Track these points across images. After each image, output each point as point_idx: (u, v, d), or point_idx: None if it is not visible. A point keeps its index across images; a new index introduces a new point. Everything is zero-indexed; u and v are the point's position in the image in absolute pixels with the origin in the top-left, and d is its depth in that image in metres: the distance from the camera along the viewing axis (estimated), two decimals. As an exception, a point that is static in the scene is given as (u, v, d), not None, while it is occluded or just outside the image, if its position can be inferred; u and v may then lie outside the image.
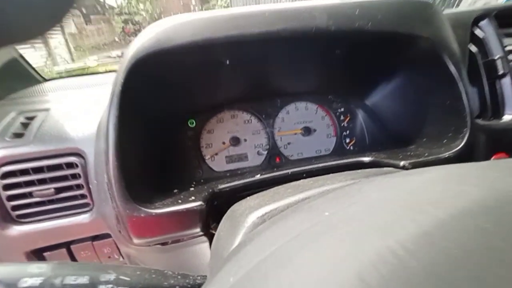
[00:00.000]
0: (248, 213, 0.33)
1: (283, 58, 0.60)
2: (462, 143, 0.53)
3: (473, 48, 0.59)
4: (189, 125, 0.74)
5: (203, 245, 0.54)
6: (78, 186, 0.58)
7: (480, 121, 0.59)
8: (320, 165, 0.58)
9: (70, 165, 0.57)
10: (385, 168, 0.43)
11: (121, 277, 0.31)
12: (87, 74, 0.95)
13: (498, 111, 0.59)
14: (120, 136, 0.45)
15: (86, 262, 0.59)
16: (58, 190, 0.57)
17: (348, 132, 0.83)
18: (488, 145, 0.59)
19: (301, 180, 0.43)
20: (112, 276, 0.31)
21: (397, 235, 0.14)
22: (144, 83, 0.51)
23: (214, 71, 0.59)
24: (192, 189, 0.55)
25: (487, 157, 0.60)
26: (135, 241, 0.47)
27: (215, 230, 0.59)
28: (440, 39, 0.53)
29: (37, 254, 0.61)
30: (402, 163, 0.52)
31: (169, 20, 0.48)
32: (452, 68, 0.53)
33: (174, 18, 0.48)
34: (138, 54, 0.44)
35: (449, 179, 0.20)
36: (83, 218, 0.58)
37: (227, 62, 0.56)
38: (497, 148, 0.59)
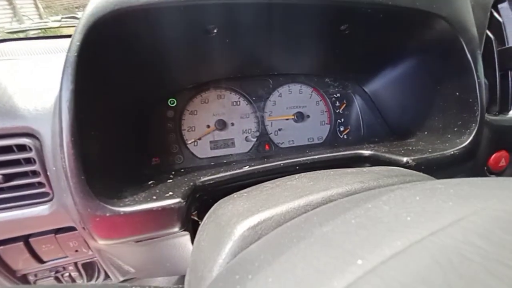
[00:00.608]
0: (236, 223, 0.27)
1: (280, 30, 0.51)
2: (469, 140, 0.49)
3: (490, 33, 0.54)
4: (169, 104, 0.65)
5: (184, 238, 0.48)
6: (34, 173, 0.49)
7: (486, 116, 0.55)
8: (315, 157, 0.52)
9: (22, 148, 0.48)
10: (393, 168, 0.39)
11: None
12: (48, 37, 0.81)
13: (506, 106, 0.56)
14: (78, 116, 0.36)
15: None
16: (8, 177, 0.48)
17: (343, 120, 0.77)
18: (491, 142, 0.56)
19: (298, 178, 0.37)
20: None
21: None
22: (108, 49, 0.41)
23: (199, 41, 0.50)
24: (170, 180, 0.48)
25: (487, 155, 0.57)
26: (100, 241, 0.40)
27: (197, 217, 0.53)
28: (459, 21, 0.47)
29: (-13, 249, 0.53)
30: (405, 159, 0.47)
31: None
32: (469, 55, 0.47)
33: None
34: (98, 12, 0.34)
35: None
36: (42, 209, 0.50)
37: (215, 31, 0.47)
38: (499, 146, 0.56)
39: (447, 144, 0.51)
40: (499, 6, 0.55)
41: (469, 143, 0.49)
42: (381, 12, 0.46)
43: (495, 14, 0.54)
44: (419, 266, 0.12)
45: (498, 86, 0.54)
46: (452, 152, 0.48)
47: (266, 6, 0.41)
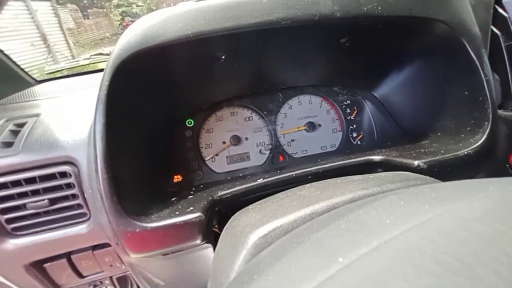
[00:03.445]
0: (249, 233, 0.30)
1: (283, 49, 0.55)
2: (483, 139, 0.48)
3: (496, 30, 0.53)
4: (187, 124, 0.71)
5: (208, 250, 0.51)
6: (74, 196, 0.55)
7: (501, 112, 0.54)
8: (327, 165, 0.54)
9: (63, 175, 0.54)
10: (400, 173, 0.39)
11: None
12: (80, 74, 0.91)
13: (522, 101, 0.54)
14: (109, 144, 0.41)
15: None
16: (53, 201, 0.55)
17: (355, 126, 0.78)
18: (509, 139, 0.54)
19: (307, 188, 0.39)
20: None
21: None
22: (132, 84, 0.47)
23: (210, 67, 0.55)
24: (191, 196, 0.52)
25: (506, 153, 0.55)
26: (132, 255, 0.44)
27: (219, 230, 0.56)
28: (459, 23, 0.48)
29: (37, 266, 0.59)
30: (416, 162, 0.48)
31: (158, 13, 0.44)
32: (473, 55, 0.47)
33: (164, 11, 0.44)
34: (123, 54, 0.40)
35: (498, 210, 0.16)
36: (81, 228, 0.56)
37: (223, 57, 0.51)
38: (518, 142, 0.54)
39: (460, 145, 0.50)
40: (504, 1, 0.54)
41: (483, 141, 0.48)
42: (379, 23, 0.48)
43: (500, 10, 0.54)
44: (384, 260, 0.14)
45: (511, 82, 0.53)
46: (466, 152, 0.48)
47: (267, 32, 0.44)
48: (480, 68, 0.47)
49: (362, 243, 0.16)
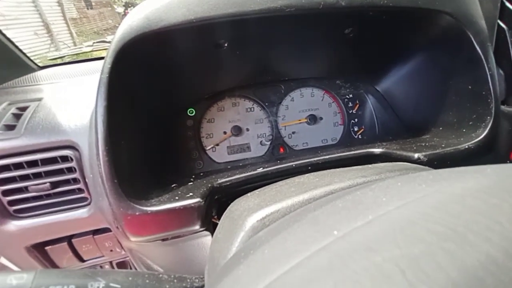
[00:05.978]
0: (247, 216, 0.30)
1: (287, 39, 0.54)
2: (484, 133, 0.48)
3: (502, 24, 0.53)
4: (189, 114, 0.71)
5: (206, 238, 0.52)
6: (75, 180, 0.56)
7: (504, 108, 0.54)
8: (326, 157, 0.54)
9: (65, 159, 0.55)
10: (399, 163, 0.39)
11: (111, 284, 0.29)
12: (82, 60, 0.91)
13: (526, 97, 0.53)
14: (110, 128, 0.42)
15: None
16: (54, 184, 0.55)
17: (356, 120, 0.78)
18: (511, 135, 0.54)
19: (306, 176, 0.40)
20: (101, 284, 0.28)
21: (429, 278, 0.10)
22: (134, 68, 0.47)
23: (212, 55, 0.54)
24: (191, 183, 0.52)
25: (507, 149, 0.55)
26: (132, 238, 0.45)
27: (218, 220, 0.57)
28: (465, 15, 0.47)
29: (38, 248, 0.60)
30: (416, 155, 0.48)
31: None
32: (478, 48, 0.47)
33: None
34: (125, 37, 0.40)
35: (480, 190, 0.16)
36: (82, 212, 0.57)
37: (226, 45, 0.51)
38: (521, 138, 0.54)
39: (462, 139, 0.50)
40: (511, -5, 0.53)
41: (484, 136, 0.48)
42: (384, 14, 0.48)
43: (508, 4, 0.53)
44: (377, 230, 0.14)
45: (515, 77, 0.52)
46: (466, 146, 0.48)
47: (270, 20, 0.44)
48: (484, 62, 0.47)
49: (357, 219, 0.16)
